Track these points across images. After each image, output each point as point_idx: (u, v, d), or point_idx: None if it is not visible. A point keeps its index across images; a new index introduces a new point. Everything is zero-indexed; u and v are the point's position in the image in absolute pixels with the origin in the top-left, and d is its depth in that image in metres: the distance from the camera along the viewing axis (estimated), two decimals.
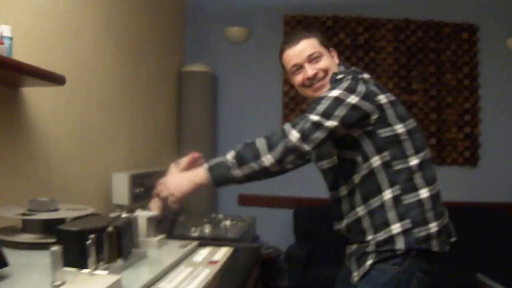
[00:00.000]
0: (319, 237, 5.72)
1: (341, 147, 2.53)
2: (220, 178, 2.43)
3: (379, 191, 2.47)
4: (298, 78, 2.66)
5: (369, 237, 2.49)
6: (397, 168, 2.45)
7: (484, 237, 5.87)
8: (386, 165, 2.45)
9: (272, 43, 6.20)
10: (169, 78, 5.77)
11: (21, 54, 2.64)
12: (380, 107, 2.45)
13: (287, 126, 2.38)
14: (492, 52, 6.38)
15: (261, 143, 2.39)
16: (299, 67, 2.64)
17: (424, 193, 2.46)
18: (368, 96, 2.42)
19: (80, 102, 3.56)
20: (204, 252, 1.94)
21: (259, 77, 6.37)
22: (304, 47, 2.63)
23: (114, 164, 4.13)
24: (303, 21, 6.31)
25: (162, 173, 4.63)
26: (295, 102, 6.28)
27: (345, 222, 2.65)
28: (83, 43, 3.64)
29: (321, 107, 2.35)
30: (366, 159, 2.47)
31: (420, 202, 2.44)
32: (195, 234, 3.20)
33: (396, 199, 2.43)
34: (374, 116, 2.43)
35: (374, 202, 2.47)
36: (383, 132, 2.44)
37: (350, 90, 2.40)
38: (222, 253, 1.93)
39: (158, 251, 1.90)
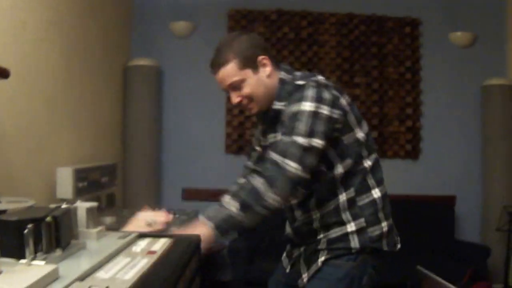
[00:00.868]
0: (262, 231, 5.76)
1: None
2: (228, 231, 2.41)
3: (335, 195, 2.48)
4: (231, 99, 2.59)
5: (320, 236, 2.50)
6: (354, 171, 2.47)
7: (424, 229, 6.01)
8: (346, 171, 2.45)
9: (217, 38, 6.17)
10: (115, 72, 5.79)
11: None
12: (343, 111, 2.42)
13: (277, 156, 2.29)
14: (434, 46, 6.55)
15: (259, 183, 2.29)
16: (226, 91, 2.59)
17: (376, 193, 2.50)
18: (335, 103, 2.38)
19: (24, 97, 3.57)
20: (143, 243, 1.96)
21: (204, 71, 6.31)
22: (222, 77, 2.53)
23: (58, 158, 4.13)
24: (247, 15, 6.40)
25: (106, 168, 4.66)
26: None
27: (294, 225, 2.66)
28: (29, 38, 3.64)
29: (302, 126, 2.29)
30: (331, 167, 2.45)
31: (373, 202, 2.48)
32: None
33: (351, 201, 2.46)
34: (340, 123, 2.41)
35: (329, 206, 2.48)
36: (346, 139, 2.44)
37: (319, 99, 2.34)
38: (161, 244, 1.95)
39: (97, 242, 1.91)
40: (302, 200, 2.55)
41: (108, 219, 3.37)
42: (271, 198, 2.26)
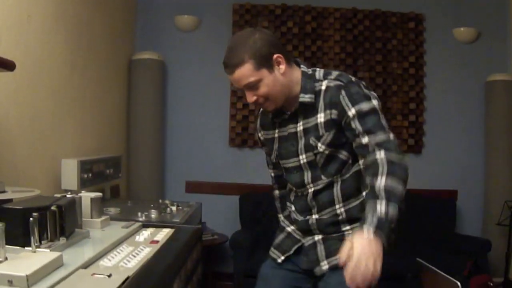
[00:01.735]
0: (264, 223, 5.79)
1: (337, 147, 2.52)
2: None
3: (358, 192, 2.54)
4: (246, 98, 2.56)
5: (346, 227, 2.55)
6: None
7: (426, 223, 6.03)
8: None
9: (221, 32, 6.28)
10: (119, 65, 5.81)
11: None
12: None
13: (392, 155, 2.34)
14: (438, 41, 6.54)
15: (395, 182, 2.28)
16: (242, 90, 2.55)
17: None
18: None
19: (29, 89, 3.58)
20: (146, 233, 1.99)
21: (208, 65, 6.40)
22: (238, 78, 2.48)
23: (63, 150, 4.15)
24: (251, 10, 6.40)
25: (110, 160, 4.69)
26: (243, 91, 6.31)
27: (316, 216, 2.64)
28: (34, 31, 3.65)
29: (380, 123, 2.42)
30: (355, 160, 2.52)
31: None
32: (141, 219, 3.22)
33: None
34: None
35: (353, 202, 2.54)
36: None
37: (374, 96, 2.50)
38: (164, 234, 1.99)
39: (101, 231, 1.95)
40: (324, 190, 2.58)
41: (113, 210, 3.40)
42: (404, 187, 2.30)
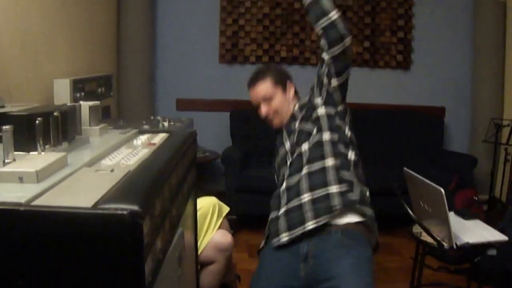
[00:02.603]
0: (254, 139, 5.89)
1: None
2: None
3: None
4: (260, 112, 3.15)
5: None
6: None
7: (414, 139, 6.15)
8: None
9: None
10: None
11: None
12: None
13: None
14: None
15: None
16: (257, 104, 3.15)
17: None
18: None
19: (20, 9, 3.57)
20: (143, 137, 2.07)
21: None
22: (259, 89, 3.12)
23: (55, 70, 4.16)
24: None
25: (102, 79, 4.73)
26: (233, 5, 6.41)
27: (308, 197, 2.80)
28: None
29: None
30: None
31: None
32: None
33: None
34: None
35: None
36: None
37: None
38: (160, 137, 2.07)
39: (100, 138, 2.03)
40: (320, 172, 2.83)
41: None
42: None
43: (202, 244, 3.05)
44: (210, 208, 3.25)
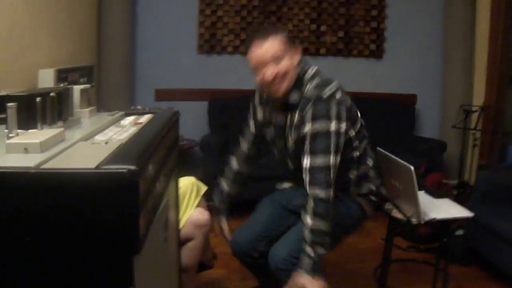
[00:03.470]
0: (232, 127, 6.01)
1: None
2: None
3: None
4: (257, 78, 2.86)
5: None
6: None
7: (386, 126, 6.31)
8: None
9: None
10: None
11: None
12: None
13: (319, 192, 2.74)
14: None
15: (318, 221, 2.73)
16: (260, 67, 2.81)
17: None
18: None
19: (8, 0, 3.67)
20: (130, 118, 2.24)
21: None
22: (268, 47, 2.77)
23: (39, 60, 4.24)
24: None
25: (84, 69, 4.85)
26: None
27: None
28: None
29: (328, 148, 2.76)
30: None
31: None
32: None
33: None
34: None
35: None
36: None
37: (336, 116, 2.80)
38: (146, 117, 2.25)
39: (90, 119, 2.20)
40: None
41: None
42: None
43: (182, 221, 3.19)
44: (189, 187, 3.42)
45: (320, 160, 2.73)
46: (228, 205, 3.40)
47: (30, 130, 1.71)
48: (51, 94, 1.83)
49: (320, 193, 2.69)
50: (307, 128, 2.77)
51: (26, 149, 1.49)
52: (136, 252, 1.37)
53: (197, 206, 3.43)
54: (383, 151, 3.56)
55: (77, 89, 2.20)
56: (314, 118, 2.76)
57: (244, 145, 3.41)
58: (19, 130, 1.68)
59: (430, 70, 6.86)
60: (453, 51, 6.62)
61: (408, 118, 6.59)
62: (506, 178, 4.61)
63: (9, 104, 1.63)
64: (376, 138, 5.98)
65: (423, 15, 6.81)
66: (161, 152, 1.80)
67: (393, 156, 3.41)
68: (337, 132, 2.77)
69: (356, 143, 3.02)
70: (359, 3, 6.59)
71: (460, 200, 5.02)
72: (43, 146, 1.51)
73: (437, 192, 3.96)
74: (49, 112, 1.82)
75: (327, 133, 2.75)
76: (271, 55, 2.77)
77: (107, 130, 1.95)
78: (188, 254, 3.28)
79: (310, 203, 2.71)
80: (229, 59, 6.57)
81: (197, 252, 3.36)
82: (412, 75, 6.83)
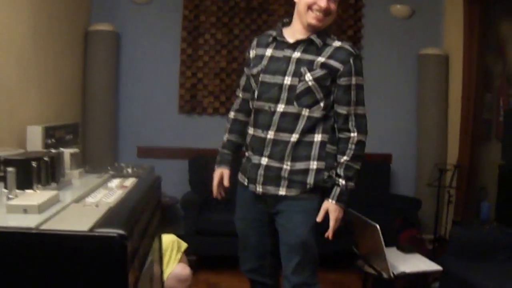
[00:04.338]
0: (212, 185, 6.16)
1: (320, 87, 3.12)
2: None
3: (307, 158, 3.19)
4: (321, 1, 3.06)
5: (288, 164, 3.17)
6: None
7: (362, 184, 6.32)
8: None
9: (172, 5, 6.54)
10: (76, 36, 6.05)
11: None
12: None
13: (360, 136, 3.18)
14: (375, 17, 6.99)
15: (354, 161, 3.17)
16: None
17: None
18: None
19: (0, 60, 3.85)
20: (116, 181, 2.39)
21: (159, 37, 6.71)
22: None
23: (28, 118, 4.41)
24: None
25: (70, 126, 5.00)
26: (192, 60, 6.68)
27: (272, 133, 3.18)
28: (2, 5, 3.90)
29: (363, 100, 3.20)
30: (323, 131, 3.21)
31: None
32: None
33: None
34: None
35: (303, 153, 3.18)
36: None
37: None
38: (130, 181, 2.40)
39: (80, 180, 2.36)
40: (290, 119, 3.13)
41: None
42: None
43: (165, 276, 3.34)
44: (170, 244, 3.60)
45: (361, 109, 3.17)
46: (234, 157, 3.55)
47: (26, 190, 1.85)
48: (45, 158, 1.99)
49: (362, 137, 3.15)
50: (353, 80, 3.11)
51: (25, 210, 1.65)
52: None
53: (179, 261, 3.58)
54: (353, 211, 3.73)
55: (67, 153, 2.36)
56: (357, 73, 3.12)
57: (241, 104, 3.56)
58: (17, 191, 1.83)
59: (405, 130, 7.04)
60: (427, 111, 6.82)
61: (384, 176, 6.73)
62: (479, 233, 4.74)
63: (9, 169, 1.78)
64: (353, 196, 6.22)
65: (398, 78, 7.04)
66: (145, 216, 1.96)
67: (360, 215, 3.59)
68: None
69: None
70: None
71: (436, 254, 5.16)
72: (41, 208, 1.67)
73: (408, 247, 4.13)
74: (44, 174, 1.98)
75: (362, 88, 3.19)
76: None
77: (96, 192, 2.10)
78: None
79: (351, 146, 3.14)
80: (209, 120, 6.76)
81: None
82: (388, 136, 6.97)
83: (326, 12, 3.05)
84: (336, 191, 3.09)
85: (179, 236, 3.85)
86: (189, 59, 6.71)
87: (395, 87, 7.05)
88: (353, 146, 3.10)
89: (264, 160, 3.17)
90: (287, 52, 3.15)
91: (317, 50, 3.10)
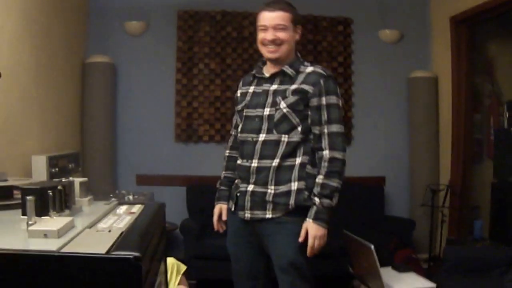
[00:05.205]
0: (209, 211, 6.23)
1: (295, 112, 3.30)
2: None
3: (289, 177, 3.34)
4: (260, 35, 3.33)
5: (271, 188, 3.33)
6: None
7: (356, 207, 6.50)
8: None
9: (167, 36, 6.69)
10: (74, 69, 6.20)
11: None
12: None
13: (335, 153, 3.25)
14: (365, 42, 7.13)
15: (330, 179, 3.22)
16: (266, 28, 3.29)
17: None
18: None
19: (2, 93, 3.97)
20: (123, 208, 2.54)
21: (155, 67, 6.87)
22: (277, 16, 3.26)
23: (31, 148, 4.54)
24: (194, 15, 6.83)
25: (72, 156, 5.13)
26: (187, 89, 6.84)
27: (256, 162, 3.36)
28: (6, 40, 4.05)
29: (337, 118, 3.27)
30: (303, 153, 3.35)
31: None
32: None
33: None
34: None
35: (287, 167, 3.34)
36: None
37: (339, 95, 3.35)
38: (137, 208, 2.54)
39: (89, 207, 2.51)
40: (271, 146, 3.32)
41: None
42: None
43: None
44: (170, 266, 3.73)
45: (335, 127, 3.25)
46: (231, 192, 3.66)
47: (43, 217, 2.00)
48: (59, 187, 2.13)
49: (336, 154, 3.22)
50: (323, 100, 3.25)
51: (45, 234, 1.79)
52: None
53: (179, 283, 3.72)
54: (348, 233, 3.85)
55: (77, 181, 2.50)
56: (328, 93, 3.25)
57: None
58: (35, 217, 1.98)
59: (397, 153, 7.15)
60: (418, 133, 6.96)
61: (378, 199, 6.84)
62: (473, 251, 4.85)
63: (28, 197, 1.92)
64: (347, 218, 6.34)
65: (389, 102, 7.16)
66: (154, 240, 2.11)
67: (355, 236, 3.71)
68: (341, 107, 3.31)
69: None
70: None
71: (431, 273, 5.27)
72: (60, 233, 1.81)
73: (403, 266, 4.25)
74: (58, 202, 2.12)
75: (336, 106, 3.27)
76: (275, 24, 3.26)
77: (106, 219, 2.24)
78: None
79: (324, 164, 3.21)
80: (205, 148, 6.91)
81: None
82: (381, 159, 7.12)
83: (276, 43, 3.28)
84: (312, 209, 3.19)
85: (179, 260, 3.97)
86: (184, 88, 6.85)
87: (387, 111, 7.17)
88: (326, 164, 3.21)
89: (250, 187, 3.36)
90: (265, 86, 3.39)
91: (291, 79, 3.32)
